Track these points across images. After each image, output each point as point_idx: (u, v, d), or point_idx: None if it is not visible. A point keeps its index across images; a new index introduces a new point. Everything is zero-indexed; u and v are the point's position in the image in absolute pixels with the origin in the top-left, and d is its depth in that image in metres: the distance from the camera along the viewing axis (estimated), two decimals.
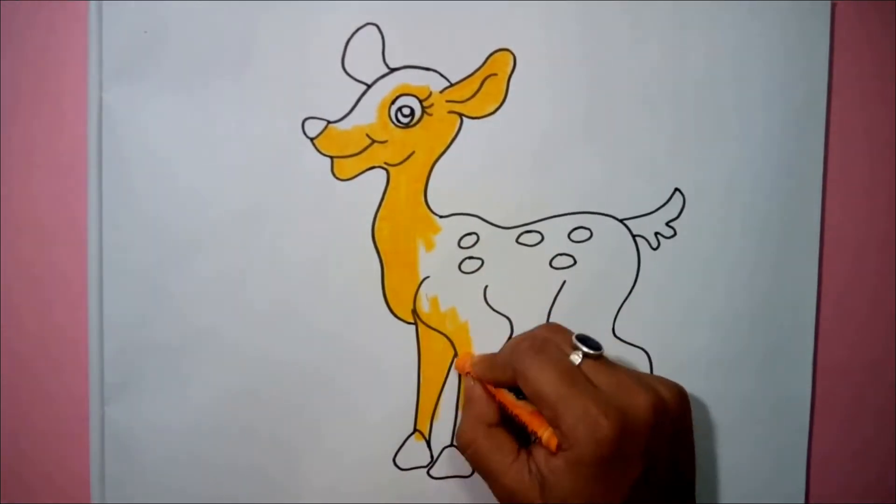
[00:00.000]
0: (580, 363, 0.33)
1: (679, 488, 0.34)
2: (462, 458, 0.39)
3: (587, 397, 0.32)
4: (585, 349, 0.34)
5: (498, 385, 0.36)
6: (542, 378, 0.33)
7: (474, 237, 0.38)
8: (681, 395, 0.35)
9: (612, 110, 0.39)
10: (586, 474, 0.31)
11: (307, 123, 0.36)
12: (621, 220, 0.40)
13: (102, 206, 0.35)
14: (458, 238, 0.38)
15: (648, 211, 0.40)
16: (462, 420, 0.36)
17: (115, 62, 0.35)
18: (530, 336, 0.36)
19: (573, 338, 0.34)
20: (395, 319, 0.38)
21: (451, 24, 0.37)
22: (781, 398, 0.42)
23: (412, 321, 0.38)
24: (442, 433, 0.39)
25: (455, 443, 0.36)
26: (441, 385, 0.39)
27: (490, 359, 0.37)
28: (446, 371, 0.39)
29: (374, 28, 0.36)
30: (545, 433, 0.33)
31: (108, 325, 0.36)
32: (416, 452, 0.39)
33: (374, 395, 0.38)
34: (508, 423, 0.35)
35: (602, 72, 0.39)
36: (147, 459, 0.37)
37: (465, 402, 0.37)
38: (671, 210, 0.40)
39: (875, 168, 0.43)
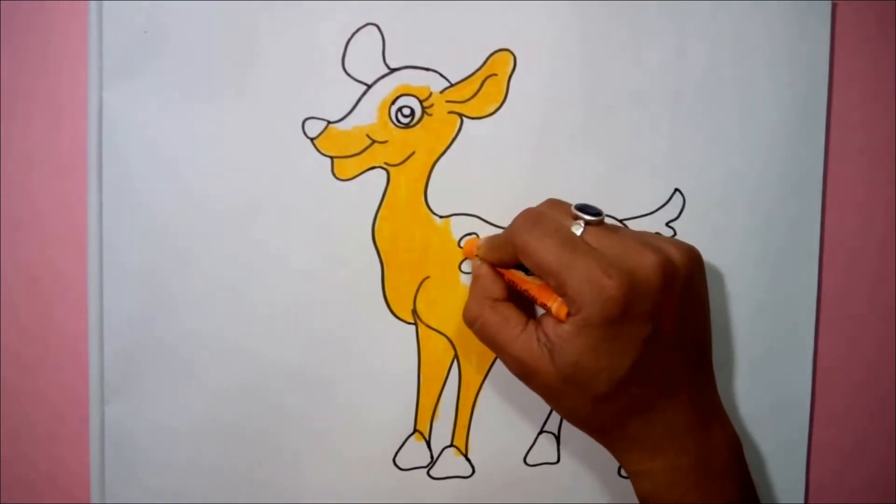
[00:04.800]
0: (582, 232, 0.33)
1: (692, 349, 0.34)
2: (462, 458, 0.39)
3: (590, 260, 0.31)
4: (586, 217, 0.33)
5: (504, 265, 0.36)
6: (542, 248, 0.32)
7: (474, 237, 0.38)
8: (691, 255, 0.34)
9: (612, 110, 0.39)
10: (595, 335, 0.31)
11: (307, 124, 0.36)
12: (621, 221, 0.40)
13: (102, 206, 0.35)
14: (459, 238, 0.38)
15: (648, 211, 0.40)
16: (468, 297, 0.36)
17: (115, 62, 0.35)
18: (527, 211, 0.35)
19: (572, 208, 0.34)
20: (395, 319, 0.38)
21: (452, 24, 0.37)
22: (781, 398, 0.42)
23: (412, 321, 0.38)
24: (442, 433, 0.39)
25: (463, 319, 0.36)
26: (441, 385, 0.39)
27: (492, 239, 0.36)
28: (446, 371, 0.39)
29: (375, 28, 0.36)
30: (554, 303, 0.32)
31: (108, 325, 0.36)
32: (416, 453, 0.39)
33: (374, 396, 0.38)
34: (519, 301, 0.35)
35: (602, 72, 0.39)
36: (147, 459, 0.37)
37: (472, 281, 0.37)
38: (671, 210, 0.40)
39: (875, 168, 0.43)
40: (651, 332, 0.32)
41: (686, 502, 0.34)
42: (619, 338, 0.31)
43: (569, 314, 0.32)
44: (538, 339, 0.33)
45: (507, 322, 0.34)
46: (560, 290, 0.32)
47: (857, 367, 0.44)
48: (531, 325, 0.34)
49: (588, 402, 0.33)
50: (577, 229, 0.33)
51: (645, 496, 0.34)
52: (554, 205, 0.36)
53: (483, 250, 0.36)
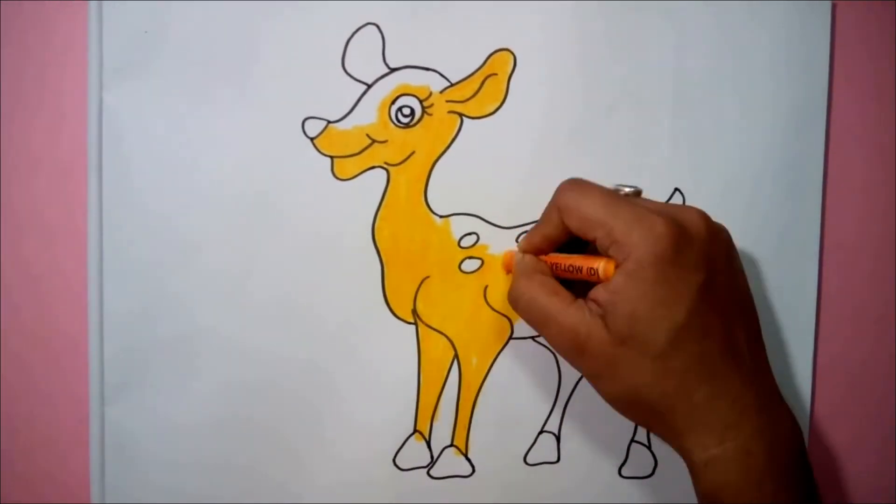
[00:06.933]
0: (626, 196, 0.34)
1: (748, 313, 0.33)
2: (462, 458, 0.39)
3: (636, 206, 0.32)
4: (627, 188, 0.35)
5: (544, 251, 0.35)
6: (587, 201, 0.32)
7: (474, 237, 0.38)
8: (726, 231, 0.34)
9: (611, 110, 0.39)
10: (649, 278, 0.30)
11: (307, 123, 0.36)
12: None
13: (102, 205, 0.35)
14: (459, 238, 0.38)
15: None
16: (512, 281, 0.35)
17: (115, 62, 0.35)
18: (567, 179, 0.35)
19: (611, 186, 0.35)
20: (395, 319, 0.38)
21: (452, 24, 0.37)
22: None
23: (412, 321, 0.38)
24: (442, 434, 0.39)
25: (508, 301, 0.35)
26: (441, 385, 0.39)
27: (530, 231, 0.36)
28: (446, 371, 0.39)
29: (375, 28, 0.36)
30: (601, 262, 0.32)
31: (109, 325, 0.36)
32: (416, 453, 0.39)
33: (374, 396, 0.38)
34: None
35: (602, 72, 0.39)
36: (147, 459, 0.37)
37: (514, 270, 0.36)
38: None
39: (875, 168, 0.43)
40: (705, 280, 0.31)
41: (760, 496, 0.30)
42: (674, 282, 0.30)
43: (618, 266, 0.31)
44: (590, 311, 0.32)
45: (557, 294, 0.33)
46: (608, 239, 0.31)
47: (856, 366, 0.44)
48: (580, 300, 0.33)
49: (647, 362, 0.31)
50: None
51: (713, 492, 0.31)
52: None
53: (524, 241, 0.36)
